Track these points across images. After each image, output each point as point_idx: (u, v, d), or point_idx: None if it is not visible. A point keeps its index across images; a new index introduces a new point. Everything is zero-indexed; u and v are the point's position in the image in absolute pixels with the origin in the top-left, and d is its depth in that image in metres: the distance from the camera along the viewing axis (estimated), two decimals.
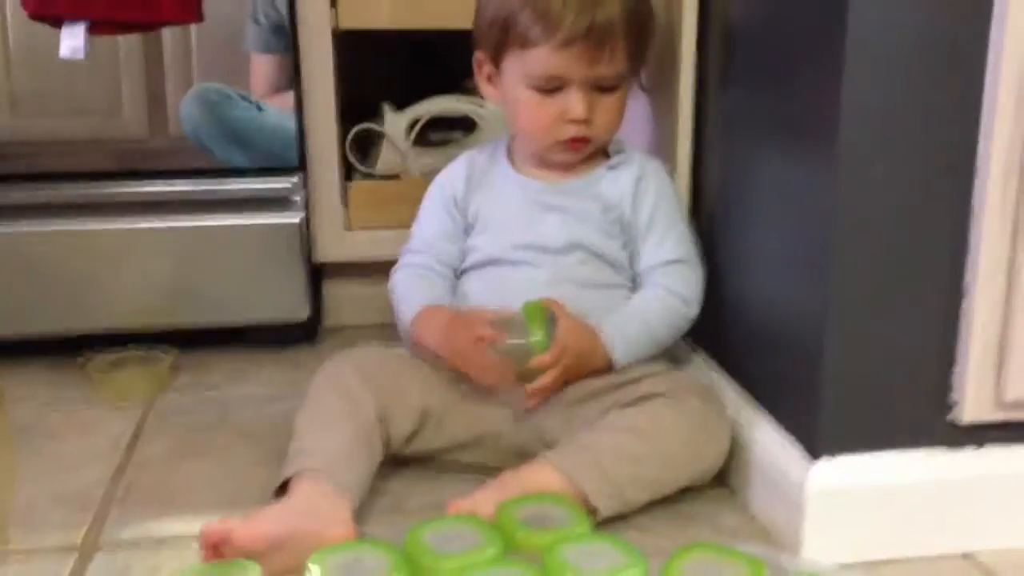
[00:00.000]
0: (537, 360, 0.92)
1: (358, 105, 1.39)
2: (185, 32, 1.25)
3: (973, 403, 0.79)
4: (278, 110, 1.32)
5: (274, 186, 1.29)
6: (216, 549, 0.76)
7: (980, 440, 0.82)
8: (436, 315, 0.99)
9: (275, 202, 1.29)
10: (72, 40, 1.13)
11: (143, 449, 1.04)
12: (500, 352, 0.92)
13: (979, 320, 0.77)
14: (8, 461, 1.00)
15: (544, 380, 0.92)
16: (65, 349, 1.25)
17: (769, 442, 0.88)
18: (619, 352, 0.96)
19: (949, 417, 0.81)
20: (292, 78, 1.30)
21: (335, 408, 0.91)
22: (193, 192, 1.27)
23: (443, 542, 0.77)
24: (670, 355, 1.05)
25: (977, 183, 0.76)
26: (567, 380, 0.94)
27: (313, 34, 1.28)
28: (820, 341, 0.79)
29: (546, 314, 0.93)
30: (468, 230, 1.06)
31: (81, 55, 1.13)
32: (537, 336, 0.92)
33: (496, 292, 1.00)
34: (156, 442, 1.05)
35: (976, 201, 0.76)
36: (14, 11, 1.17)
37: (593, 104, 0.98)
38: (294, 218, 1.29)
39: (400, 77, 1.56)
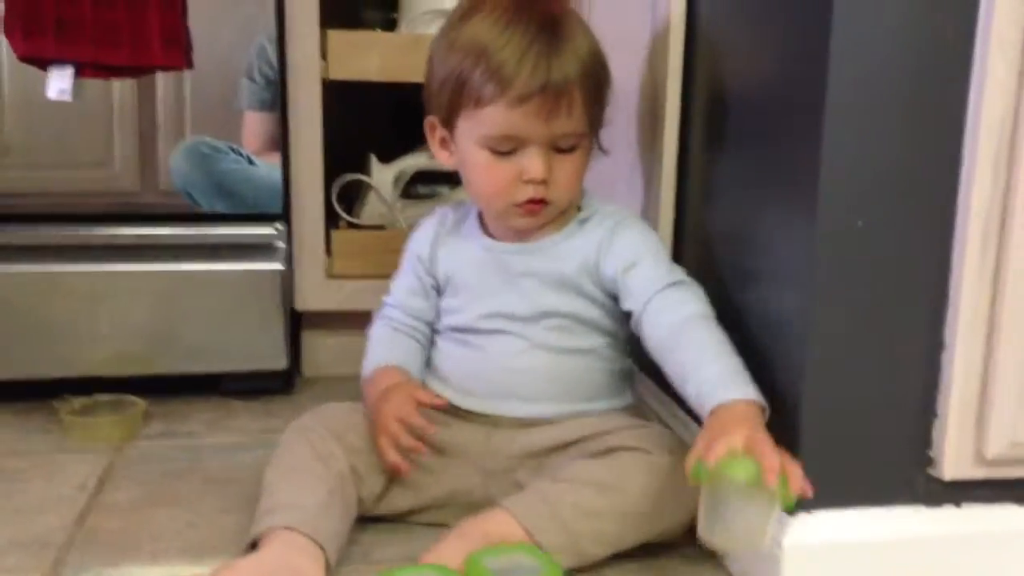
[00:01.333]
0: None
1: (343, 155, 1.40)
2: (179, 87, 1.26)
3: (953, 459, 0.78)
4: (270, 166, 1.32)
5: (257, 233, 1.29)
6: None
7: (960, 498, 0.81)
8: (381, 379, 0.98)
9: (257, 249, 1.28)
10: (60, 82, 1.14)
11: (109, 495, 1.01)
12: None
13: (959, 374, 0.77)
14: None
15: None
16: (35, 394, 1.23)
17: None
18: (753, 392, 0.83)
19: (929, 473, 0.80)
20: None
21: (308, 464, 0.89)
22: (174, 237, 1.26)
23: None
24: (638, 410, 1.03)
25: (957, 237, 0.76)
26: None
27: (302, 83, 1.29)
28: (798, 395, 0.79)
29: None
30: (441, 289, 1.04)
31: (68, 97, 1.14)
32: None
33: (474, 360, 0.99)
34: (122, 488, 1.03)
35: (956, 255, 0.76)
36: (8, 63, 1.18)
37: (551, 164, 0.94)
38: (276, 265, 1.28)
39: (385, 130, 1.57)
